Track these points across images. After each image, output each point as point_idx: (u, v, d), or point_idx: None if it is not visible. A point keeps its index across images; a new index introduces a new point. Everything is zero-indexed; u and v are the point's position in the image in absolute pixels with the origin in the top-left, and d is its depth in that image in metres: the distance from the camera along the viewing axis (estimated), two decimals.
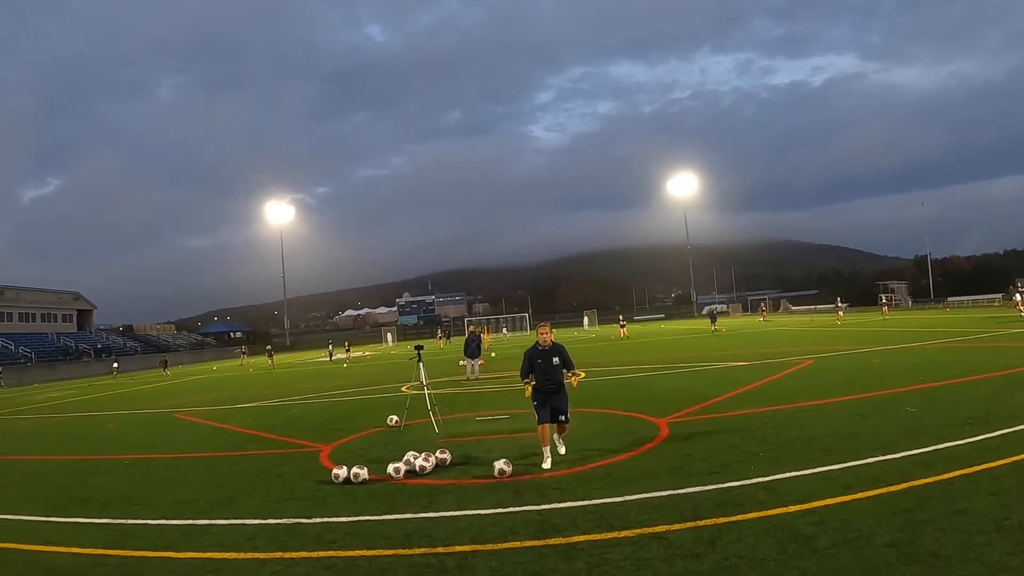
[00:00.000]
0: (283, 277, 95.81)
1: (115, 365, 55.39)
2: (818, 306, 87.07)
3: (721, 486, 6.21)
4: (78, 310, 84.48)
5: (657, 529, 5.18)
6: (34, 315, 76.36)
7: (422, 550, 5.18)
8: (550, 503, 6.16)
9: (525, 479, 7.15)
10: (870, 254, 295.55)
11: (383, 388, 19.80)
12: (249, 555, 5.38)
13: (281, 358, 48.89)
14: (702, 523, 5.22)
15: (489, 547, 5.12)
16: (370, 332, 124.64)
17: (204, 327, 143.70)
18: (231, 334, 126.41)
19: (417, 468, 7.74)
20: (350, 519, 6.18)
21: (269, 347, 52.08)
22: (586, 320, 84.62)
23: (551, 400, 7.89)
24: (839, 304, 47.23)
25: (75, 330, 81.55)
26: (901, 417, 8.80)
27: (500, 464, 7.34)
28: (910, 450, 6.92)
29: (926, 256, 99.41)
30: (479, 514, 6.01)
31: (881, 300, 57.51)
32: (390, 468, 7.72)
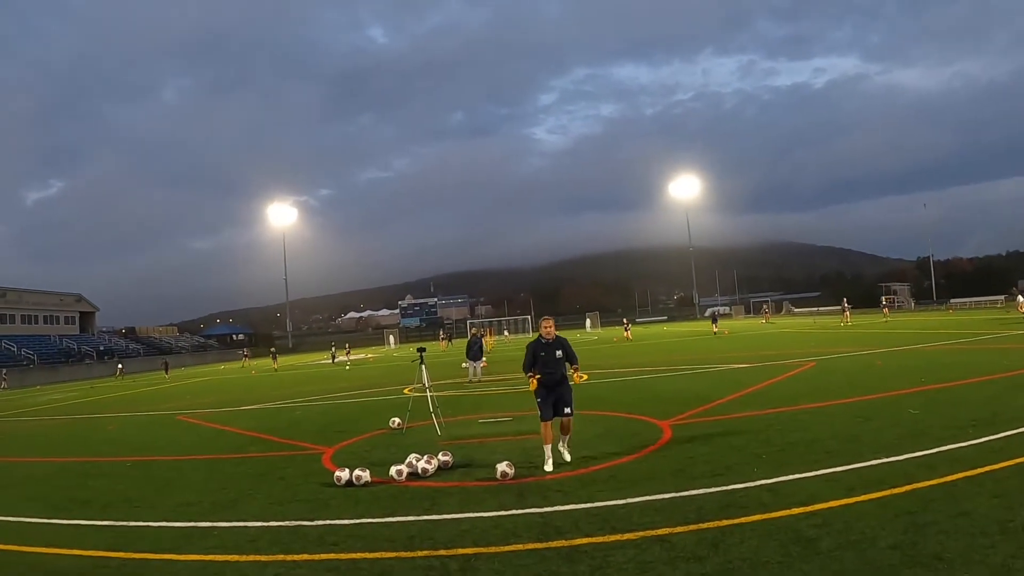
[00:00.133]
0: (286, 279, 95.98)
1: (120, 367, 55.56)
2: (820, 308, 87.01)
3: (724, 488, 6.19)
4: (80, 312, 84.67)
5: (660, 532, 5.17)
6: (36, 317, 76.53)
7: (424, 553, 5.17)
8: (553, 505, 6.15)
9: (528, 481, 7.13)
10: (872, 256, 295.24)
11: (385, 390, 19.80)
12: (251, 557, 5.38)
13: (284, 360, 48.96)
14: (705, 526, 5.21)
15: (492, 550, 5.11)
16: (372, 334, 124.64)
17: (206, 329, 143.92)
18: (233, 336, 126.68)
19: (419, 470, 7.73)
20: (352, 521, 6.17)
21: (273, 349, 52.30)
22: (588, 322, 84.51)
23: (555, 393, 7.84)
24: (846, 306, 47.06)
25: (77, 332, 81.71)
26: (904, 419, 8.78)
27: (502, 466, 7.33)
28: (913, 452, 6.90)
29: (928, 258, 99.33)
30: (481, 516, 6.00)
31: (882, 302, 57.34)
32: (392, 470, 7.71)
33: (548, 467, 7.51)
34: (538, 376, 7.86)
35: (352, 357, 46.30)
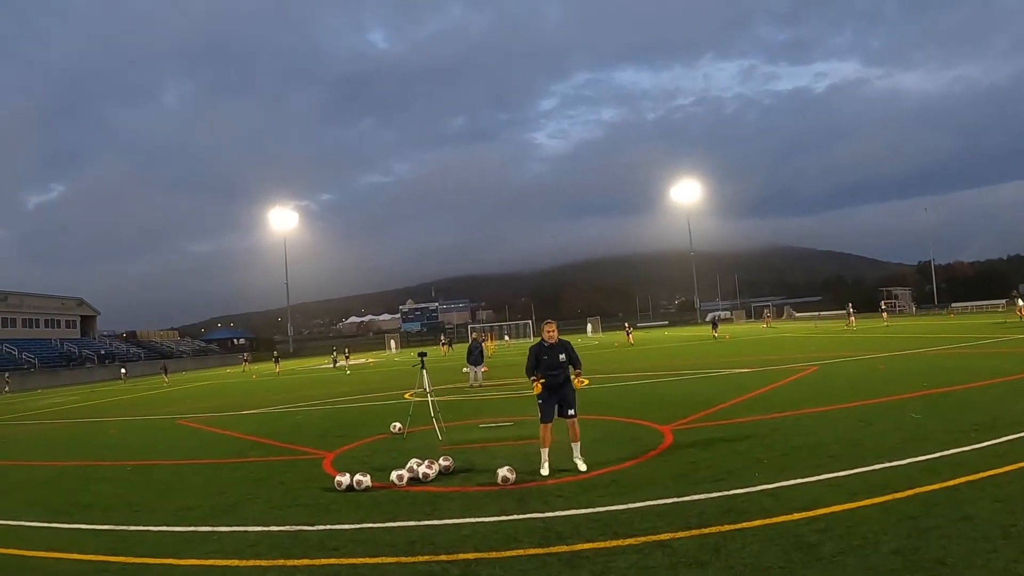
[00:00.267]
0: (287, 284, 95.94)
1: (123, 371, 55.64)
2: (822, 312, 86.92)
3: (726, 493, 6.18)
4: (81, 316, 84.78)
5: (662, 537, 5.15)
6: (38, 321, 76.64)
7: (425, 558, 5.16)
8: (554, 511, 6.14)
9: (529, 486, 7.12)
10: (873, 260, 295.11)
11: (386, 395, 19.78)
12: (251, 562, 5.37)
13: (285, 364, 49.02)
14: (707, 531, 5.20)
15: (492, 555, 5.10)
16: (373, 339, 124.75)
17: (207, 333, 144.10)
18: (234, 340, 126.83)
19: (420, 475, 7.72)
20: (353, 526, 6.16)
21: (276, 353, 52.42)
22: (589, 327, 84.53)
23: (558, 394, 7.76)
24: (851, 310, 47.13)
25: (79, 336, 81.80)
26: (906, 423, 8.76)
27: (504, 471, 7.31)
28: (916, 457, 6.88)
29: (930, 262, 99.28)
30: (482, 522, 5.99)
31: (881, 306, 57.17)
32: (393, 475, 7.70)
33: (544, 471, 7.48)
34: (542, 380, 7.80)
35: (352, 362, 46.27)
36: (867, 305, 74.84)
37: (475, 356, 20.59)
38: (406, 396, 17.42)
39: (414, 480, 7.68)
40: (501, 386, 19.40)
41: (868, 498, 5.64)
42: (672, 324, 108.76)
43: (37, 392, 46.65)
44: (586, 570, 4.65)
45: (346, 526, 6.19)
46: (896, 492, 5.73)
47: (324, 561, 5.26)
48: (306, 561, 5.29)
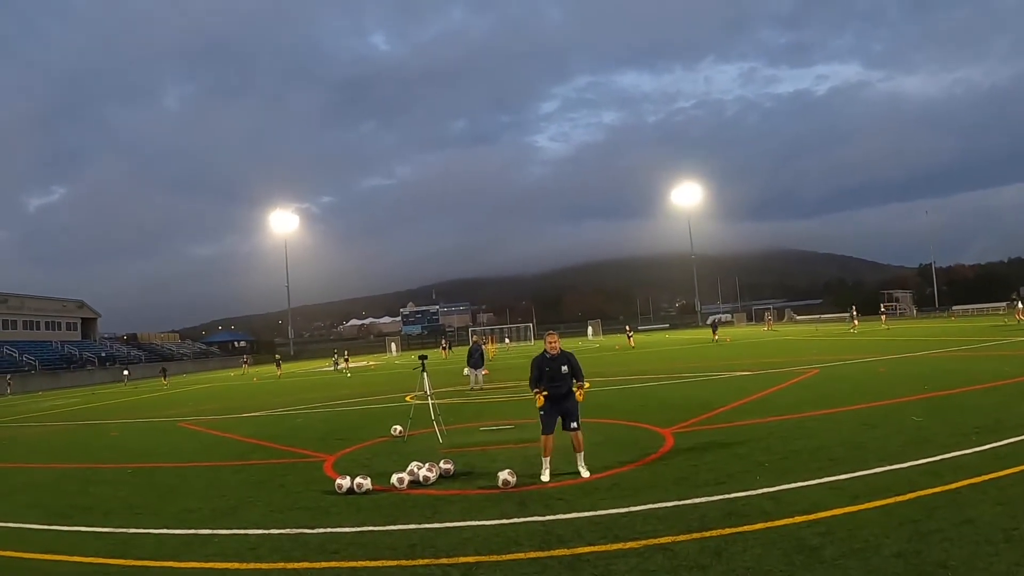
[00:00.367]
0: (287, 286, 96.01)
1: (126, 373, 55.65)
2: (823, 315, 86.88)
3: (727, 497, 6.17)
4: (82, 318, 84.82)
5: (663, 540, 5.15)
6: (38, 323, 76.68)
7: (426, 561, 5.15)
8: (555, 514, 6.13)
9: (529, 490, 7.11)
10: (874, 263, 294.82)
11: (387, 398, 19.78)
12: (252, 565, 5.36)
13: (286, 367, 49.07)
14: (708, 534, 5.19)
15: (493, 558, 5.10)
16: (374, 342, 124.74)
17: (208, 336, 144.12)
18: (235, 343, 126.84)
19: (421, 478, 7.71)
20: (353, 529, 6.16)
21: (278, 356, 52.54)
22: (590, 330, 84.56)
23: (560, 406, 7.73)
24: (854, 313, 47.15)
25: (79, 338, 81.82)
26: (908, 426, 8.76)
27: (504, 475, 7.31)
28: (917, 460, 6.87)
29: (931, 264, 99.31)
30: (483, 525, 5.98)
31: (880, 309, 57.11)
32: (394, 478, 7.69)
33: (545, 477, 7.48)
34: (544, 392, 7.75)
35: (351, 365, 46.31)
36: (868, 308, 74.92)
37: (475, 359, 20.58)
38: (407, 399, 17.41)
39: (415, 483, 7.67)
40: (502, 389, 19.39)
41: (870, 501, 5.63)
42: (673, 327, 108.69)
43: (38, 394, 46.68)
44: (587, 573, 4.64)
45: (347, 529, 6.18)
46: (898, 495, 5.72)
47: (325, 564, 5.26)
48: (306, 564, 5.29)
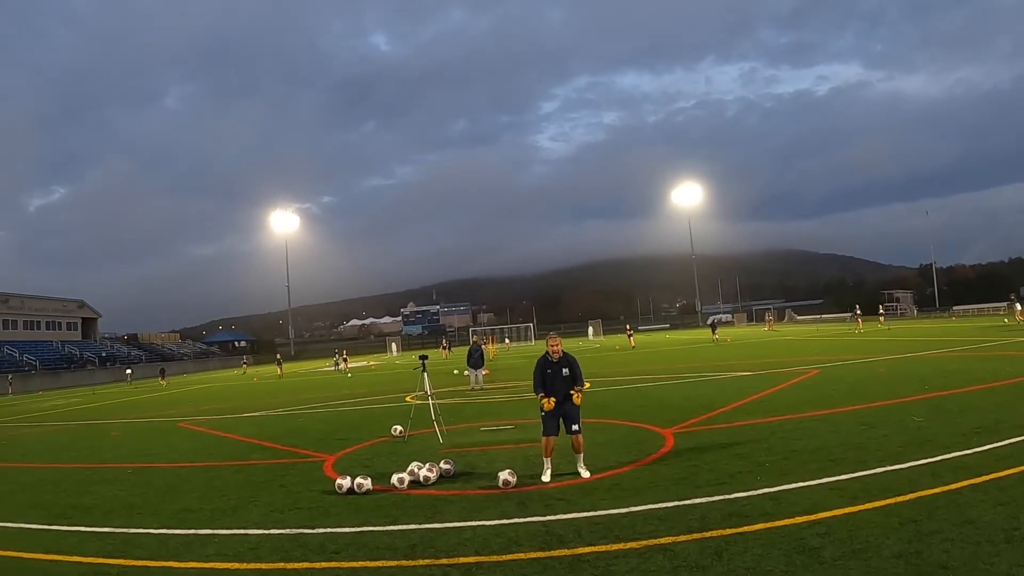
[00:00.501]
0: (288, 286, 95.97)
1: (129, 372, 55.64)
2: (823, 315, 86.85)
3: (727, 497, 6.17)
4: (83, 318, 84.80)
5: (663, 541, 5.14)
6: (39, 323, 76.68)
7: (426, 561, 5.15)
8: (555, 514, 6.13)
9: (530, 490, 7.11)
10: (875, 263, 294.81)
11: (387, 398, 19.78)
12: (252, 565, 5.36)
13: (286, 367, 49.11)
14: (708, 535, 5.19)
15: (493, 559, 5.09)
16: (375, 342, 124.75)
17: (208, 336, 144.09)
18: (235, 343, 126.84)
19: (421, 478, 7.71)
20: (354, 530, 6.16)
21: (279, 356, 52.55)
22: (590, 330, 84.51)
23: (560, 409, 7.73)
24: (858, 313, 47.13)
25: (80, 338, 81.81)
26: (908, 427, 8.75)
27: (504, 475, 7.31)
28: (917, 460, 6.87)
29: (931, 265, 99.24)
30: (483, 525, 5.98)
31: (879, 310, 57.02)
32: (394, 478, 7.69)
33: (546, 478, 7.48)
34: (554, 398, 7.70)
35: (350, 365, 46.32)
36: (866, 309, 74.88)
37: (475, 359, 20.59)
38: (407, 399, 17.41)
39: (415, 483, 7.67)
40: (502, 389, 19.39)
41: (870, 502, 5.63)
42: (673, 327, 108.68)
43: (38, 394, 46.69)
44: (587, 574, 4.64)
45: (347, 529, 6.18)
46: (898, 496, 5.72)
47: (325, 564, 5.25)
48: (306, 564, 5.29)
